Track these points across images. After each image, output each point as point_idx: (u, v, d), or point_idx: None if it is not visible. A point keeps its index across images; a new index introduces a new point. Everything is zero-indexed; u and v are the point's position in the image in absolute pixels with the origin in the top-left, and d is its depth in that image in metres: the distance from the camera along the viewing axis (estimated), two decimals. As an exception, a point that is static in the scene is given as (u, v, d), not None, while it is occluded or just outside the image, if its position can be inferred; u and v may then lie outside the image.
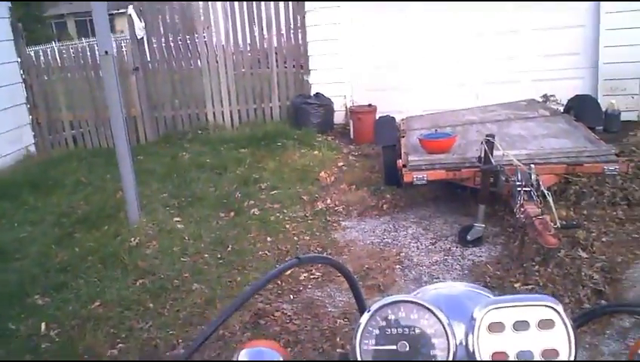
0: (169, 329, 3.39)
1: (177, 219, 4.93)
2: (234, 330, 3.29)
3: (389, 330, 0.62)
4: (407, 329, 0.61)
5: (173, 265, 4.14)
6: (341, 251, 4.24)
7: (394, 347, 0.61)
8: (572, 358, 0.58)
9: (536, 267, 3.58)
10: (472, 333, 0.59)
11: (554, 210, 3.51)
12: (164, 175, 6.06)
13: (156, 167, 6.34)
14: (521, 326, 0.59)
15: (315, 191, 5.41)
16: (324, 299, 3.61)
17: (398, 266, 3.95)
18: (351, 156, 6.49)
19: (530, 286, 3.41)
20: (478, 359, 0.59)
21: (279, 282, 3.80)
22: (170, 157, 6.72)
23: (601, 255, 3.66)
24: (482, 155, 4.07)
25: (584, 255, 3.63)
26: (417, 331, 0.61)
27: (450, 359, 0.60)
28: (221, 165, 6.18)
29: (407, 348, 0.60)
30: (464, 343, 0.60)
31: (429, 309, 0.62)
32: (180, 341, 3.28)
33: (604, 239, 3.89)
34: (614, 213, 4.27)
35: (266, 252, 4.30)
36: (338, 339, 3.16)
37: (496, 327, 0.59)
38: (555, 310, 0.60)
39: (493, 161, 4.00)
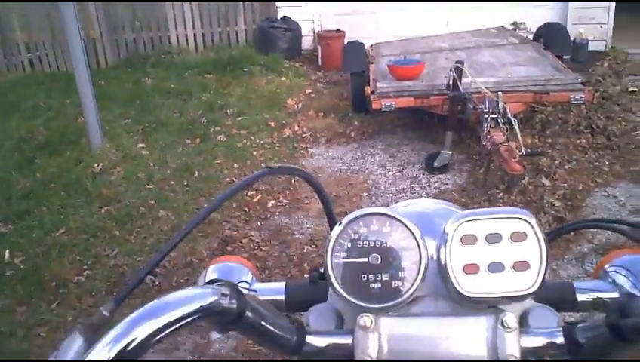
0: (136, 256, 3.38)
1: (142, 145, 4.84)
2: (201, 256, 3.31)
3: (360, 243, 0.61)
4: (379, 242, 0.61)
5: (138, 192, 4.09)
6: (309, 178, 4.23)
7: (366, 259, 0.61)
8: (543, 270, 0.58)
9: (501, 194, 3.64)
10: (444, 246, 0.59)
11: (519, 137, 3.55)
12: (126, 100, 5.88)
13: (118, 92, 6.14)
14: (493, 238, 0.59)
15: (282, 118, 5.34)
16: (292, 226, 3.63)
17: (365, 193, 3.98)
18: (319, 83, 6.39)
19: (494, 213, 3.48)
20: (450, 272, 0.59)
21: (246, 209, 3.81)
22: (133, 82, 6.51)
23: (564, 182, 3.74)
24: (451, 82, 4.06)
25: (547, 182, 3.71)
26: (389, 244, 0.61)
27: (422, 272, 0.60)
28: (186, 91, 6.03)
29: (379, 261, 0.60)
30: (435, 257, 0.60)
31: (401, 222, 0.61)
32: (148, 267, 3.27)
33: (567, 167, 3.97)
34: (578, 141, 4.34)
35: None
36: (306, 265, 3.20)
37: (468, 240, 0.59)
38: (527, 222, 0.59)
39: (461, 88, 3.99)
